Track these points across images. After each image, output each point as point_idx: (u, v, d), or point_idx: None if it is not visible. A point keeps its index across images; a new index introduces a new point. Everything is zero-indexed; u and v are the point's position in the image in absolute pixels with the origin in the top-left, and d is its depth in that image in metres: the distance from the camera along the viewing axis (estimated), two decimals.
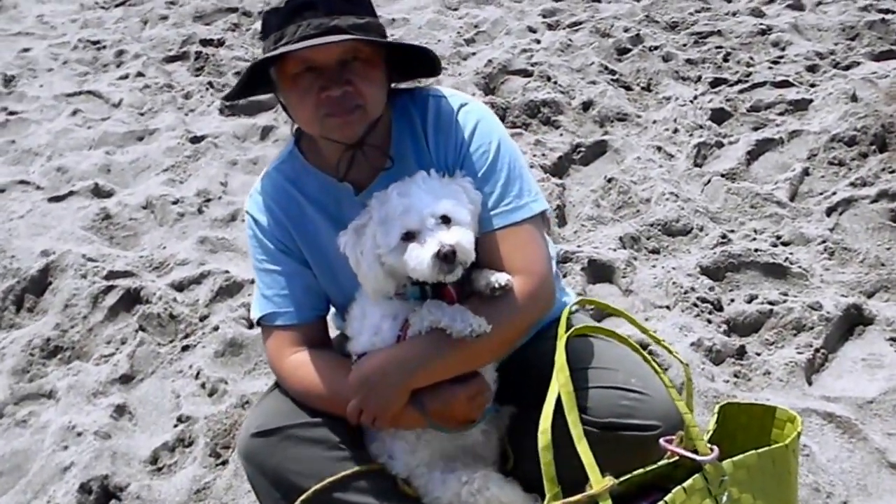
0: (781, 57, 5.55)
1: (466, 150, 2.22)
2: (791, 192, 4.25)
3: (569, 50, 5.91)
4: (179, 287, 4.00)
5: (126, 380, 3.49)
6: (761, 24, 5.95)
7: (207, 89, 5.87)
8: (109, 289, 3.94)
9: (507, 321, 2.10)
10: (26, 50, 6.75)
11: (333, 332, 2.50)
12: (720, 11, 6.32)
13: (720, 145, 4.70)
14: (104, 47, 6.76)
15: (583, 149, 4.78)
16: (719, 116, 4.98)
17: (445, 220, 2.01)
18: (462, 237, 1.99)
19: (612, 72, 5.59)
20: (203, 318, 3.79)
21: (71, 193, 4.79)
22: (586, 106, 5.19)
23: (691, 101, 5.11)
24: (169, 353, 3.60)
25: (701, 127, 4.83)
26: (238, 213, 4.50)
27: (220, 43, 6.58)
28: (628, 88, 5.43)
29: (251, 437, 2.22)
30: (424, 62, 2.24)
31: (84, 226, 4.44)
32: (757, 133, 4.73)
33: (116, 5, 7.80)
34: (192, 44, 6.55)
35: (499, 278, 2.09)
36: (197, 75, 6.19)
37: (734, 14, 6.24)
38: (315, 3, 2.06)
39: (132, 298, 3.90)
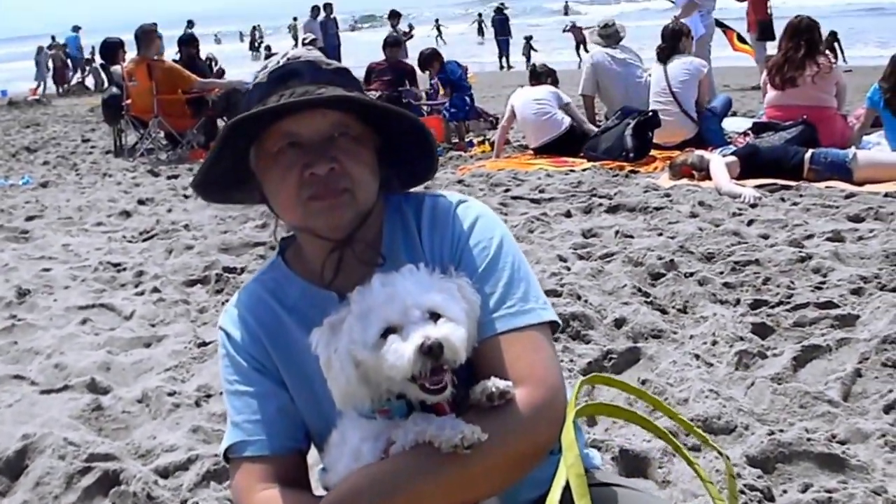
0: (824, 282, 5.29)
1: (464, 245, 1.94)
2: (844, 393, 3.87)
3: (600, 275, 5.71)
4: (164, 473, 3.60)
5: None
6: (801, 252, 5.75)
7: (224, 304, 5.67)
8: (87, 470, 3.54)
9: (510, 436, 1.72)
10: (46, 270, 6.67)
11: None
12: (758, 244, 6.15)
13: (763, 356, 4.36)
14: (124, 269, 6.67)
15: (614, 356, 4.45)
16: (761, 331, 4.66)
17: (434, 317, 1.68)
18: (452, 332, 1.65)
19: (646, 294, 5.35)
20: (184, 503, 3.37)
21: (65, 388, 4.48)
22: (619, 323, 4.90)
23: (731, 318, 4.81)
24: None
25: (742, 339, 4.51)
26: None
27: (243, 270, 6.46)
28: (664, 311, 5.15)
29: None
30: (421, 159, 2.05)
31: (72, 415, 4.10)
32: (802, 343, 4.39)
33: (144, 239, 7.82)
34: (214, 269, 6.43)
35: (497, 383, 1.73)
36: (216, 294, 6.03)
37: (772, 245, 6.06)
38: (300, 71, 1.89)
39: (110, 481, 3.49)
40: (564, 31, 39.41)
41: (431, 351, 1.61)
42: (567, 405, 1.80)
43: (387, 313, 1.68)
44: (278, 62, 1.94)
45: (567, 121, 11.15)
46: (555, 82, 11.98)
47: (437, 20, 45.30)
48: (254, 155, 1.94)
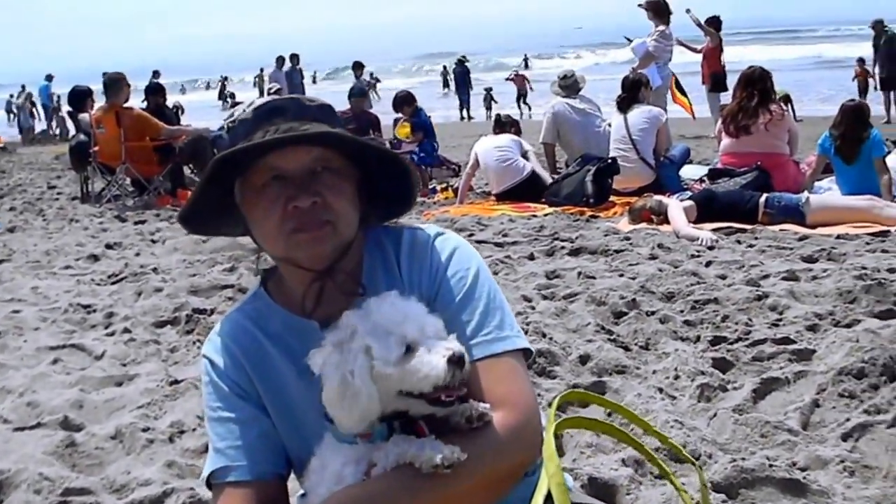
0: (780, 319, 5.46)
1: (443, 276, 2.05)
2: (803, 422, 4.02)
3: (564, 314, 5.84)
4: None
5: None
6: (758, 291, 5.93)
7: (195, 344, 5.73)
8: None
9: (488, 457, 1.82)
10: (16, 312, 6.67)
11: None
12: (717, 284, 6.32)
13: (724, 389, 4.50)
14: (94, 311, 6.69)
15: (580, 390, 4.56)
16: (722, 365, 4.81)
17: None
18: (462, 347, 1.80)
19: (610, 332, 5.48)
20: None
21: (38, 425, 4.51)
22: (583, 359, 5.02)
23: (692, 354, 4.95)
24: None
25: (703, 373, 4.64)
26: None
27: (213, 311, 6.51)
28: (627, 348, 5.28)
29: None
30: (398, 192, 2.15)
31: (46, 451, 4.13)
32: (762, 376, 4.54)
33: (113, 282, 7.84)
34: (184, 310, 6.48)
35: (476, 406, 1.84)
36: (186, 335, 6.07)
37: (730, 285, 6.23)
38: (285, 108, 1.99)
39: None
40: (507, 79, 40.09)
41: (460, 360, 1.74)
42: (542, 428, 1.92)
43: (405, 331, 1.78)
44: (244, 110, 2.02)
45: (529, 167, 11.36)
46: (518, 132, 12.23)
47: (371, 73, 44.17)
48: (238, 189, 2.02)
